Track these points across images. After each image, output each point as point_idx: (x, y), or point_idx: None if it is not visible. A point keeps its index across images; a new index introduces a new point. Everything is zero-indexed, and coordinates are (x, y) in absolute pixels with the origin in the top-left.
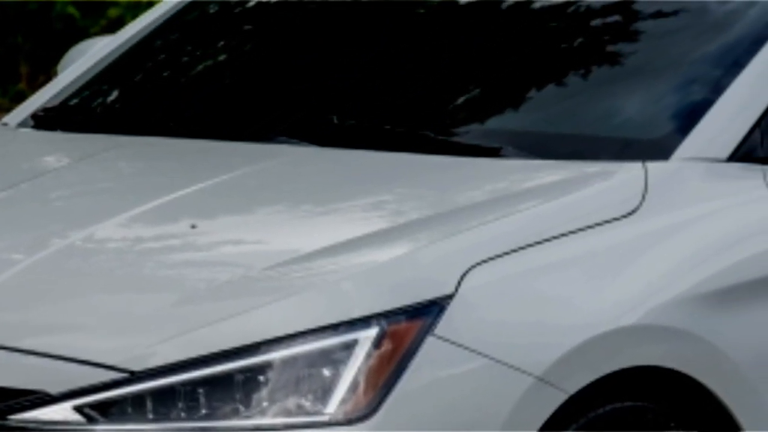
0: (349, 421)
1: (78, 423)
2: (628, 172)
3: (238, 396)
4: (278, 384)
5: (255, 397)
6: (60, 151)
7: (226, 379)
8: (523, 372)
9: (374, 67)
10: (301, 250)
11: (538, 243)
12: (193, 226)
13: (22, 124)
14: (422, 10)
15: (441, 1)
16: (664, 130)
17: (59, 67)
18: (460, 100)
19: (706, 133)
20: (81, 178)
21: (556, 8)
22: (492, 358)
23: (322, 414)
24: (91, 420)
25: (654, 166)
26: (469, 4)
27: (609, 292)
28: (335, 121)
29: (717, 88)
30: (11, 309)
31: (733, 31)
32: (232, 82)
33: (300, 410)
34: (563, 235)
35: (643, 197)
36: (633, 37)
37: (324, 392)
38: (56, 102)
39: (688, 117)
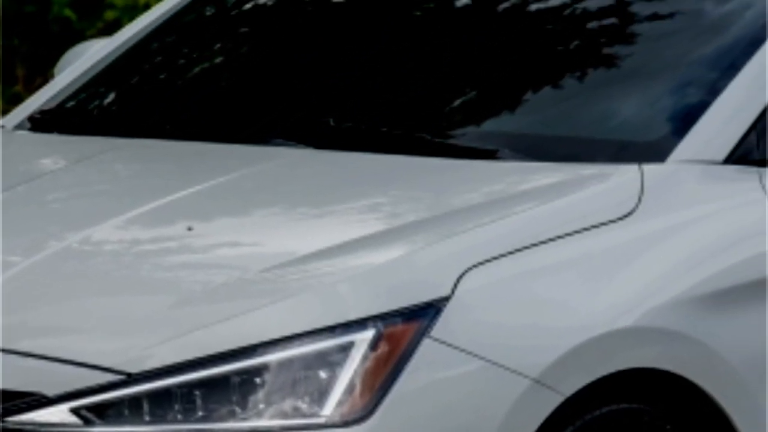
0: (345, 423)
1: (75, 425)
2: (624, 175)
3: (234, 398)
4: (275, 386)
5: (251, 399)
6: (57, 153)
7: (222, 381)
8: (520, 374)
9: (370, 69)
10: (298, 253)
11: (535, 245)
12: (190, 229)
13: (19, 127)
14: (419, 13)
15: (437, 3)
16: (660, 133)
17: (56, 69)
18: (457, 102)
19: (702, 136)
20: (78, 181)
21: (552, 11)
22: (488, 361)
23: (319, 416)
24: (87, 422)
25: (650, 169)
26: (465, 6)
27: (605, 294)
28: (332, 123)
29: (713, 91)
30: (8, 311)
31: (729, 34)
32: (228, 84)
33: (296, 412)
34: (559, 237)
35: (639, 199)
36: (629, 39)
37: (320, 394)
38: (53, 104)
39: (684, 119)
